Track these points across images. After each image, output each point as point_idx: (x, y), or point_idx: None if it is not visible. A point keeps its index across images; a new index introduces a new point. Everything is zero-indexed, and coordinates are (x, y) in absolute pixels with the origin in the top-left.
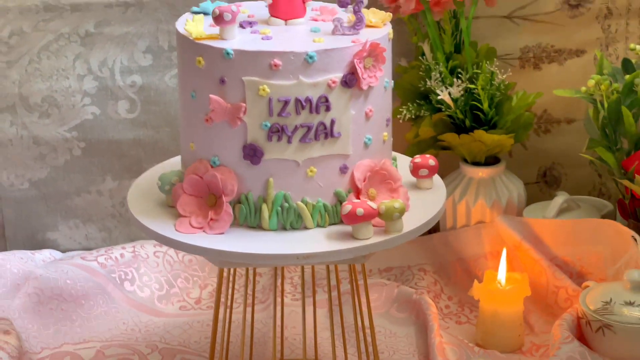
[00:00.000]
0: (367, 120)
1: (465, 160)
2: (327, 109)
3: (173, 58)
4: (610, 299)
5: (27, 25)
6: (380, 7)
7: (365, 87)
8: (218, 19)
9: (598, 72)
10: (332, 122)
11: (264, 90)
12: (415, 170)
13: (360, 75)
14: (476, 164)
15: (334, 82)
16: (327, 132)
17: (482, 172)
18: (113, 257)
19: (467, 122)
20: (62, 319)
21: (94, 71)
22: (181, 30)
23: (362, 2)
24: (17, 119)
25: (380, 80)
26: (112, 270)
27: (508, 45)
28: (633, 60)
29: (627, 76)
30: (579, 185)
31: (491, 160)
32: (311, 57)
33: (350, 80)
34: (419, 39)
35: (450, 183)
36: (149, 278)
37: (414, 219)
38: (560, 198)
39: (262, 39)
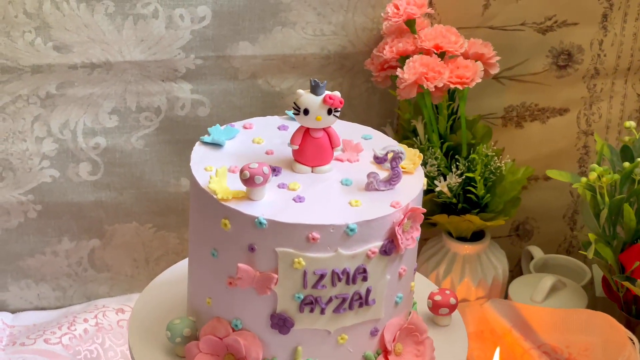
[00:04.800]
0: (399, 280)
1: (449, 234)
2: (364, 279)
3: (141, 119)
4: None
5: None
6: (368, 74)
7: (403, 251)
8: (248, 181)
9: (597, 162)
10: (368, 291)
11: (299, 263)
12: (434, 308)
13: (399, 241)
14: (461, 238)
15: (373, 252)
16: (362, 302)
17: (468, 249)
18: (77, 335)
19: (459, 205)
20: None
21: (54, 133)
22: (200, 181)
23: (400, 157)
24: None
25: (416, 240)
26: (77, 351)
27: (492, 105)
28: (627, 139)
29: (626, 164)
30: (550, 239)
31: (476, 234)
32: (352, 230)
33: (390, 248)
34: (411, 115)
35: (433, 256)
36: (115, 353)
37: None
38: (549, 281)
39: (294, 200)
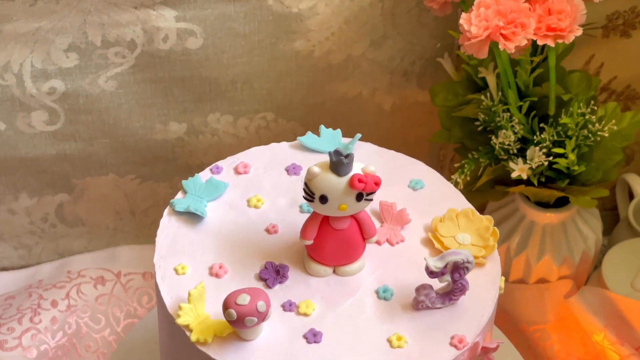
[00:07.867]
0: None
1: (527, 197)
2: None
3: (109, 56)
4: None
5: None
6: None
7: None
8: (237, 323)
9: None
10: None
11: None
12: None
13: None
14: (541, 204)
15: None
16: None
17: (550, 218)
18: (42, 328)
19: (542, 178)
20: None
21: None
22: (167, 301)
23: (467, 268)
24: None
25: None
26: (43, 351)
27: (591, 13)
28: None
29: None
30: None
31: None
32: None
33: None
34: (479, 61)
35: (503, 222)
36: (94, 342)
37: None
38: None
39: (306, 338)
